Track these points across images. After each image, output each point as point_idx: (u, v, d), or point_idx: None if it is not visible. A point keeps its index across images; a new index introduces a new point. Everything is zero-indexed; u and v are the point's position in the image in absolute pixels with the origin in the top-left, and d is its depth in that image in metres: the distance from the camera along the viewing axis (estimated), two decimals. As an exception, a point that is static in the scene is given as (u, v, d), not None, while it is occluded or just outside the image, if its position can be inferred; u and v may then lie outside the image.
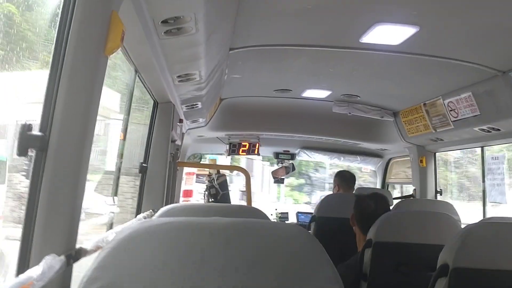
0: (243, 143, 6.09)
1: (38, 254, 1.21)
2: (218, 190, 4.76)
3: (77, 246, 1.38)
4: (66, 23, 1.26)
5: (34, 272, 1.05)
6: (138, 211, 3.04)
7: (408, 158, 5.51)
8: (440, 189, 5.21)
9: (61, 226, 1.27)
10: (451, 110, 4.11)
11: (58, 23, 1.27)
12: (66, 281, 1.31)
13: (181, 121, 3.84)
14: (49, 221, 1.25)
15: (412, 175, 5.42)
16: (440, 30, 2.83)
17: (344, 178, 4.48)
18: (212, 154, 6.91)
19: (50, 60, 1.27)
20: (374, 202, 2.72)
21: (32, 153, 1.25)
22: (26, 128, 1.17)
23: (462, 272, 1.69)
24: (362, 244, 2.61)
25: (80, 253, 1.38)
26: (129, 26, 1.62)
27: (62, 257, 1.21)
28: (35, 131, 1.22)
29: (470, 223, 2.01)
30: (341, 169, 5.13)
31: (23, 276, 1.01)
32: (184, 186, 6.64)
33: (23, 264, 1.22)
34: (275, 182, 6.90)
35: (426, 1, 2.41)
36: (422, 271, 2.35)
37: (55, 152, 1.25)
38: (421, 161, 5.21)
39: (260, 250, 1.03)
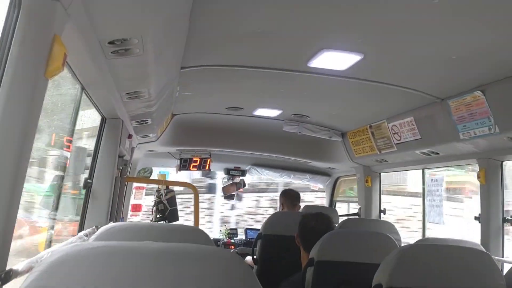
0: (194, 158, 6.10)
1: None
2: (166, 205, 4.71)
3: (8, 267, 1.35)
4: (6, 43, 1.25)
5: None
6: (81, 228, 2.97)
7: (355, 177, 5.67)
8: (384, 209, 5.39)
9: None
10: (394, 133, 4.29)
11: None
12: None
13: (130, 136, 3.80)
14: None
15: (358, 194, 5.58)
16: (384, 58, 2.97)
17: (288, 196, 4.57)
18: (163, 168, 6.85)
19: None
20: (314, 221, 2.81)
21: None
22: None
23: None
24: (305, 261, 2.68)
25: (10, 275, 1.35)
26: (74, 46, 1.62)
27: None
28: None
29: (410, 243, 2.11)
30: (286, 188, 5.22)
31: None
32: (133, 201, 6.54)
33: None
34: (225, 198, 6.93)
35: (370, 31, 2.53)
36: None
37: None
38: (367, 181, 5.38)
39: (190, 275, 1.05)
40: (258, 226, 6.18)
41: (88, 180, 3.03)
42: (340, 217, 5.05)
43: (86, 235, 2.43)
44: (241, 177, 6.64)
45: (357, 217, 5.35)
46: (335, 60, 3.01)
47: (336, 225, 4.63)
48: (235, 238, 6.49)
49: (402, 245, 3.36)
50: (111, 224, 1.93)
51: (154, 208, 4.77)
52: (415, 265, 1.83)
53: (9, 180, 1.27)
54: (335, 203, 6.52)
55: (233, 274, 1.09)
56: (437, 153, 4.02)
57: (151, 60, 2.22)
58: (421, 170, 4.82)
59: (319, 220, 2.84)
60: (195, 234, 1.96)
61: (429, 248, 2.02)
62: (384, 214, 5.36)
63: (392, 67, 3.13)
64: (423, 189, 4.75)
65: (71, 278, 1.00)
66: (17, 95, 1.26)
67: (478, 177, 3.60)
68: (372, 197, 5.34)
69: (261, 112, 4.94)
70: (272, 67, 3.30)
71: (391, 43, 2.69)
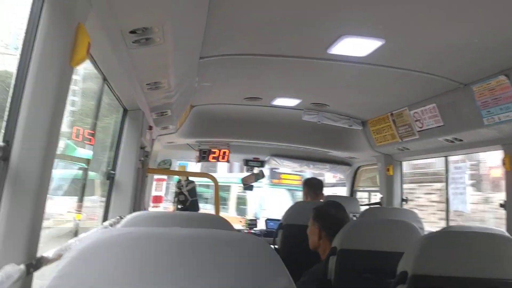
0: (213, 150, 6.11)
1: (-2, 264, 1.20)
2: (187, 196, 4.75)
3: (39, 254, 1.37)
4: (32, 34, 1.27)
5: (-9, 282, 1.05)
6: (105, 218, 3.01)
7: (376, 166, 5.62)
8: (406, 198, 5.33)
9: (22, 235, 1.27)
10: (416, 121, 4.23)
11: (24, 33, 1.27)
12: None
13: (150, 128, 3.83)
14: (10, 231, 1.25)
15: (379, 183, 5.53)
16: (405, 43, 2.92)
17: (311, 185, 4.54)
18: (182, 160, 6.90)
19: (15, 71, 1.27)
20: (334, 209, 2.82)
21: None
22: None
23: (420, 279, 1.76)
24: (326, 251, 2.68)
25: (41, 262, 1.37)
26: (96, 36, 1.63)
27: (22, 266, 1.21)
28: (-2, 141, 1.22)
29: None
30: (309, 177, 5.18)
31: (-21, 287, 1.01)
32: (153, 192, 6.60)
33: (-17, 274, 1.21)
34: (245, 188, 6.93)
35: (391, 16, 2.49)
36: (384, 278, 2.42)
37: (17, 161, 1.26)
38: (388, 170, 5.33)
39: (216, 260, 1.05)
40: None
41: (111, 171, 3.06)
42: (361, 207, 5.02)
43: (111, 225, 2.46)
44: (260, 168, 6.63)
45: (379, 206, 5.31)
46: (355, 46, 2.97)
47: (358, 215, 4.62)
48: (255, 229, 6.50)
49: (425, 233, 3.33)
50: (137, 213, 1.95)
51: (175, 199, 4.81)
52: (441, 252, 1.81)
53: (39, 169, 1.29)
54: (356, 193, 6.48)
55: (260, 259, 1.09)
56: (461, 140, 3.96)
57: (171, 50, 2.22)
58: (444, 158, 4.75)
59: (337, 208, 2.84)
60: (218, 222, 1.97)
61: (454, 235, 1.99)
62: (406, 202, 5.30)
63: (414, 53, 3.08)
64: (446, 176, 4.68)
65: (102, 263, 1.01)
66: (44, 83, 1.27)
67: (503, 164, 3.53)
68: (394, 186, 5.28)
69: (280, 101, 4.92)
70: (291, 55, 3.28)
71: (412, 27, 2.64)
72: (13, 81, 1.27)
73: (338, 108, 4.98)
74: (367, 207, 4.99)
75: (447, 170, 4.70)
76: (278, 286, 1.07)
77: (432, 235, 2.03)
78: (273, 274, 1.08)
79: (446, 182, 4.68)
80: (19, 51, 1.28)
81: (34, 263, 1.31)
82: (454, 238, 1.92)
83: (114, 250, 1.03)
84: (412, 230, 2.57)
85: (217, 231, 1.15)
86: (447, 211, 4.62)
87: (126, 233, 1.07)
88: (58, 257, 1.45)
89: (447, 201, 4.63)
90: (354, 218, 4.64)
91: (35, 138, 1.27)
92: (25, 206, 1.28)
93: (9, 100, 1.27)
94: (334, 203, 2.90)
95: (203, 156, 6.10)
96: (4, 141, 1.25)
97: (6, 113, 1.26)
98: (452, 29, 2.55)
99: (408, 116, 4.32)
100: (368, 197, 6.93)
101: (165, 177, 7.21)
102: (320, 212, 2.84)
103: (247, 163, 6.60)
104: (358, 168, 6.42)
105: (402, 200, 5.31)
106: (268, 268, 1.10)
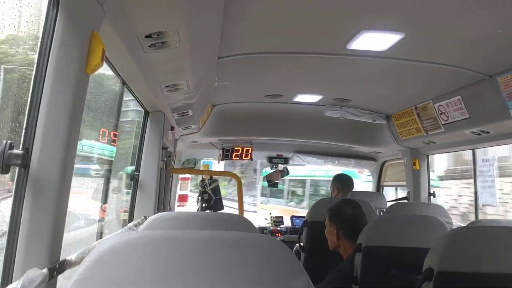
0: (236, 148, 6.12)
1: (20, 268, 1.24)
2: (211, 195, 4.78)
3: (62, 258, 1.41)
4: (47, 43, 1.30)
5: (13, 287, 1.08)
6: (130, 219, 3.07)
7: (402, 161, 5.54)
8: (433, 192, 5.24)
9: (44, 240, 1.31)
10: (441, 114, 4.15)
11: (39, 41, 1.31)
12: None
13: (172, 128, 3.87)
14: (32, 235, 1.29)
15: (406, 178, 5.45)
16: (425, 36, 2.86)
17: (341, 181, 4.50)
18: (206, 159, 6.94)
19: (32, 78, 1.31)
20: (350, 207, 2.80)
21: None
22: (7, 147, 1.21)
23: (447, 276, 1.71)
24: (349, 252, 2.66)
25: (64, 265, 1.41)
26: (112, 42, 1.66)
27: (45, 270, 1.24)
28: (17, 149, 1.25)
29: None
30: (339, 173, 5.13)
31: (2, 292, 1.05)
32: (179, 191, 6.67)
33: (6, 279, 1.26)
34: (269, 185, 6.92)
35: (410, 9, 2.44)
36: (412, 274, 2.38)
37: (37, 168, 1.29)
38: (414, 164, 5.24)
39: (235, 261, 1.06)
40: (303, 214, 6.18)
41: (135, 172, 3.11)
42: (388, 203, 4.95)
43: (136, 225, 2.51)
44: (284, 165, 6.61)
45: (406, 201, 5.23)
46: (375, 40, 2.93)
47: (384, 210, 4.56)
48: (281, 226, 6.50)
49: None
50: (159, 214, 1.97)
51: (199, 198, 4.84)
52: (468, 248, 1.76)
53: (58, 175, 1.32)
54: (383, 188, 6.39)
55: (277, 260, 1.09)
56: (488, 132, 3.86)
57: (187, 52, 2.24)
58: (471, 151, 4.64)
59: (352, 206, 2.81)
60: (240, 222, 1.97)
61: (482, 230, 1.94)
62: (434, 197, 5.21)
63: (435, 45, 3.01)
64: (474, 169, 4.58)
65: (121, 267, 1.03)
66: (61, 91, 1.30)
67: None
68: (421, 180, 5.19)
69: (301, 98, 4.89)
70: (310, 52, 3.26)
71: (432, 20, 2.58)
72: (30, 90, 1.31)
73: (361, 103, 4.92)
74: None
75: (474, 163, 4.60)
76: (298, 285, 1.07)
77: (459, 230, 1.98)
78: (292, 275, 1.08)
79: (474, 175, 4.58)
80: (35, 59, 1.31)
81: (57, 267, 1.35)
82: (481, 232, 1.86)
83: (133, 254, 1.05)
84: (440, 225, 2.53)
85: (234, 233, 1.15)
86: (476, 204, 4.52)
87: (144, 236, 1.09)
88: (81, 260, 1.49)
89: (475, 195, 4.53)
90: (381, 214, 4.60)
91: (54, 145, 1.31)
92: (47, 211, 1.31)
93: (27, 108, 1.30)
94: (349, 201, 2.88)
95: (226, 154, 6.12)
96: (23, 149, 1.29)
97: (25, 121, 1.30)
98: (474, 20, 2.48)
99: (432, 109, 4.24)
100: (395, 192, 6.83)
101: (189, 176, 7.28)
102: (335, 212, 2.82)
103: (271, 160, 6.59)
104: (384, 162, 6.33)
105: (430, 194, 5.21)
106: (286, 269, 1.10)
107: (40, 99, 1.29)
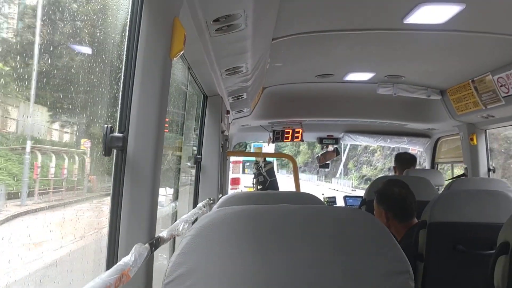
0: (286, 130, 6.13)
1: (125, 244, 1.33)
2: (266, 177, 4.85)
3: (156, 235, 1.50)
4: (135, 32, 1.37)
5: (128, 259, 1.17)
6: (196, 201, 3.17)
7: (457, 137, 5.40)
8: (493, 167, 5.09)
9: (143, 217, 1.40)
10: (501, 86, 4.01)
11: (127, 32, 1.38)
12: (149, 266, 1.44)
13: (228, 112, 3.94)
14: (133, 214, 1.37)
15: (463, 153, 5.31)
16: (486, 5, 2.77)
17: (403, 160, 4.44)
18: (256, 142, 7.00)
19: (123, 67, 1.38)
20: (398, 187, 2.76)
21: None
22: (109, 131, 1.29)
23: None
24: (402, 232, 2.65)
25: (159, 241, 1.50)
26: (186, 28, 1.72)
27: (147, 245, 1.33)
28: (116, 133, 1.34)
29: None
30: (400, 152, 5.06)
31: (120, 263, 1.13)
32: (231, 175, 6.77)
33: (112, 253, 1.35)
34: (320, 167, 6.90)
35: (471, -22, 2.38)
36: (480, 250, 2.36)
37: (133, 151, 1.37)
38: (472, 139, 5.10)
39: (331, 232, 1.10)
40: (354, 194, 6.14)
41: (198, 156, 3.20)
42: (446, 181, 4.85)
43: (204, 206, 2.59)
44: (335, 145, 6.58)
45: (464, 177, 5.11)
46: (433, 13, 2.86)
47: (443, 187, 4.48)
48: (334, 206, 6.50)
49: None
50: (231, 193, 2.04)
51: (255, 180, 4.92)
52: None
53: (152, 156, 1.40)
54: (437, 165, 6.26)
55: (372, 233, 1.12)
56: (553, 103, 3.71)
57: (250, 34, 2.27)
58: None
59: (399, 186, 2.77)
60: (309, 198, 2.01)
61: None
62: (494, 172, 5.06)
63: (496, 14, 2.90)
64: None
65: (220, 239, 1.10)
66: (150, 76, 1.37)
67: None
68: (479, 155, 5.05)
69: (352, 76, 4.83)
70: (364, 28, 3.21)
71: (495, -13, 2.50)
72: (122, 77, 1.38)
73: (414, 79, 4.82)
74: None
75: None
76: (391, 256, 1.10)
77: None
78: (386, 246, 1.12)
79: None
80: (124, 50, 1.39)
81: (154, 243, 1.44)
82: None
83: (230, 226, 1.11)
84: (507, 199, 2.48)
85: (324, 207, 1.20)
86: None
87: (240, 210, 1.14)
88: (171, 236, 1.57)
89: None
90: (439, 191, 4.51)
91: (146, 128, 1.38)
92: (143, 191, 1.40)
93: (120, 94, 1.38)
94: (395, 181, 2.84)
95: (277, 137, 6.15)
96: (120, 132, 1.37)
97: (119, 106, 1.38)
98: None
99: (491, 82, 4.10)
100: (451, 168, 6.67)
101: (240, 159, 7.37)
102: (382, 193, 2.79)
103: (321, 141, 6.57)
104: (438, 139, 6.19)
105: (489, 169, 5.06)
106: (380, 241, 1.13)
107: (132, 85, 1.37)
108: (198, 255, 1.09)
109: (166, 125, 2.76)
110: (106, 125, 1.29)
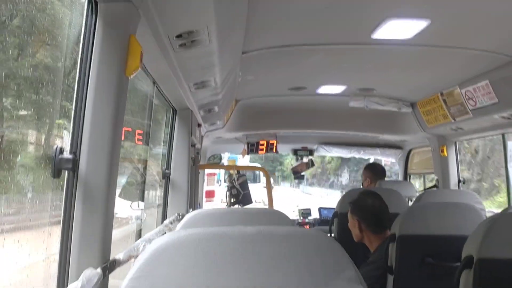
0: (260, 142, 6.14)
1: (76, 268, 1.28)
2: (239, 190, 4.82)
3: (111, 257, 1.45)
4: (88, 49, 1.33)
5: (75, 286, 1.12)
6: (164, 217, 3.11)
7: (429, 148, 5.47)
8: (463, 178, 5.16)
9: (95, 240, 1.35)
10: (469, 99, 4.08)
11: (80, 49, 1.34)
12: None
13: (199, 125, 3.91)
14: (84, 236, 1.33)
15: (433, 165, 5.38)
16: (452, 21, 2.81)
17: (375, 171, 4.46)
18: (231, 154, 6.98)
19: (75, 85, 1.34)
20: (371, 198, 2.77)
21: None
22: (58, 151, 1.25)
23: (487, 263, 1.69)
24: (375, 243, 2.66)
25: (114, 264, 1.45)
26: (145, 44, 1.69)
27: (99, 270, 1.28)
28: (66, 154, 1.30)
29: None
30: (371, 162, 5.10)
31: (65, 291, 1.09)
32: (205, 187, 6.73)
33: (63, 279, 1.30)
34: (295, 178, 6.92)
35: (435, -6, 2.41)
36: (448, 262, 2.37)
37: (85, 171, 1.33)
38: (442, 151, 5.17)
39: (283, 254, 1.08)
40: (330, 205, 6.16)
41: (166, 170, 3.16)
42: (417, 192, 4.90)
43: (171, 223, 2.54)
44: (309, 157, 6.61)
45: (435, 189, 5.17)
46: (400, 28, 2.89)
47: (414, 199, 4.52)
48: (309, 218, 6.50)
49: (488, 215, 3.22)
50: (196, 211, 2.01)
51: (228, 193, 4.89)
52: (508, 235, 1.74)
53: (105, 177, 1.36)
54: (410, 176, 6.33)
55: (325, 252, 1.11)
56: (518, 116, 3.78)
57: (216, 49, 2.26)
58: (501, 136, 4.55)
59: (373, 197, 2.79)
60: (276, 216, 1.99)
61: None
62: (464, 184, 5.13)
63: (462, 29, 2.96)
64: (505, 155, 4.49)
65: (174, 264, 1.07)
66: (103, 96, 1.34)
67: None
68: (449, 166, 5.12)
69: (325, 89, 4.86)
70: (334, 42, 3.24)
71: (458, 3, 2.54)
72: (74, 95, 1.35)
73: (385, 92, 4.87)
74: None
75: (505, 148, 4.51)
76: (346, 277, 1.09)
77: (498, 216, 1.96)
78: (340, 266, 1.10)
79: (505, 160, 4.49)
80: (77, 68, 1.35)
81: (109, 266, 1.39)
82: None
83: (185, 251, 1.08)
84: (475, 212, 2.50)
85: (279, 228, 1.17)
86: (508, 191, 4.43)
87: (195, 233, 1.11)
88: (128, 258, 1.53)
89: (507, 180, 4.44)
90: (410, 203, 4.55)
91: (100, 147, 1.35)
92: (96, 212, 1.35)
93: (72, 114, 1.34)
94: (369, 192, 2.85)
95: (251, 148, 6.15)
96: (71, 152, 1.33)
97: (71, 126, 1.34)
98: (499, 1, 2.44)
99: (459, 95, 4.17)
100: (423, 180, 6.75)
101: (216, 171, 7.33)
102: (356, 204, 2.80)
103: (296, 152, 6.60)
104: (410, 151, 6.27)
105: (459, 181, 5.14)
106: (335, 261, 1.11)
107: (85, 104, 1.33)
108: (151, 280, 1.05)
109: (139, 137, 2.73)
110: (55, 146, 1.25)
